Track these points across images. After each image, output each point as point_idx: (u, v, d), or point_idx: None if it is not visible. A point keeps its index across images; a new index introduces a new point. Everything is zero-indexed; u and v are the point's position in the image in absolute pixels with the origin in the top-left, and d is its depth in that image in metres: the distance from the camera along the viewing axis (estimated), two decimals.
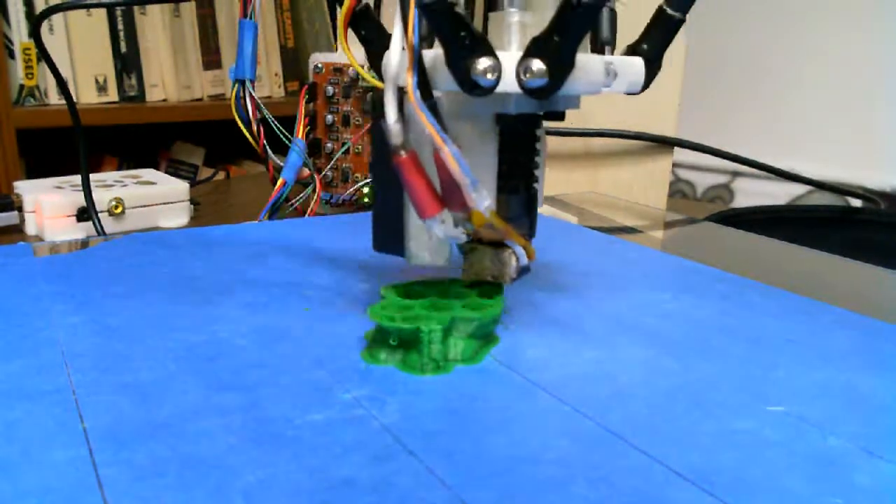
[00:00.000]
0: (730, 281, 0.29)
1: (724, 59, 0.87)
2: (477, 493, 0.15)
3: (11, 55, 0.82)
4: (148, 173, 0.48)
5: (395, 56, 0.19)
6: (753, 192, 0.85)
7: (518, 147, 0.22)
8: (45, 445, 0.16)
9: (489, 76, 0.19)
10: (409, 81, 0.18)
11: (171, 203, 0.45)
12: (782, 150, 0.77)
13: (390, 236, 0.23)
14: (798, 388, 0.20)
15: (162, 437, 0.16)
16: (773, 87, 0.85)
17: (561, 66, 0.19)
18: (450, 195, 0.19)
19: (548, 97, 0.20)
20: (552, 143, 0.55)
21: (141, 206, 0.43)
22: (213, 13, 0.99)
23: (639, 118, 0.54)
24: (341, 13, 0.23)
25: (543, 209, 0.44)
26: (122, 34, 0.90)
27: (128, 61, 0.91)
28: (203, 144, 1.06)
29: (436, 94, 0.20)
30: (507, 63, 0.19)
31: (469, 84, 0.19)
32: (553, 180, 0.55)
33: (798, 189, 0.80)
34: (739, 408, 0.19)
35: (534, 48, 0.19)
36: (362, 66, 0.29)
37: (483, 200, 0.19)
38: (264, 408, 0.18)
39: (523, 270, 0.23)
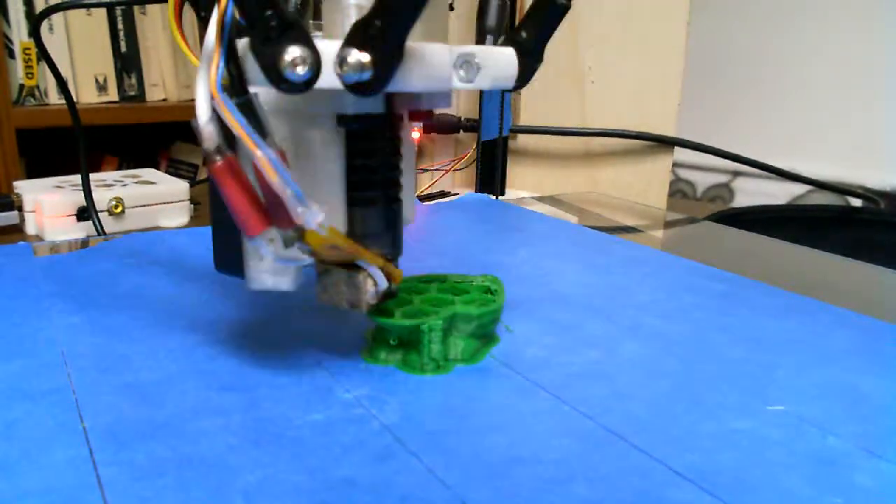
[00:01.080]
0: (730, 281, 0.29)
1: (724, 59, 0.87)
2: (477, 493, 0.15)
3: (11, 55, 0.82)
4: (148, 173, 0.48)
5: (210, 42, 0.16)
6: (753, 192, 0.85)
7: (371, 152, 0.19)
8: (45, 445, 0.16)
9: (299, 69, 0.15)
10: (213, 73, 0.15)
11: (171, 203, 0.45)
12: (782, 150, 0.77)
13: (230, 255, 0.19)
14: (798, 388, 0.20)
15: (162, 437, 0.16)
16: (773, 87, 0.85)
17: (385, 57, 0.16)
18: (275, 209, 0.16)
19: (374, 93, 0.16)
20: (552, 143, 0.55)
21: (141, 206, 0.43)
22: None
23: (639, 118, 0.54)
24: None
25: (544, 209, 0.45)
26: (122, 34, 0.90)
27: (128, 61, 0.91)
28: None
29: (254, 89, 0.16)
30: (327, 54, 0.16)
31: (277, 77, 0.16)
32: (553, 180, 0.55)
33: (798, 189, 0.80)
34: (739, 408, 0.19)
35: (353, 36, 0.16)
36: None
37: (313, 216, 0.16)
38: (264, 408, 0.18)
39: (386, 295, 0.20)
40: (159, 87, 0.96)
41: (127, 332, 0.22)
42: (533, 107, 0.54)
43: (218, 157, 0.16)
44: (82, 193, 0.39)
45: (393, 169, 0.20)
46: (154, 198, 0.44)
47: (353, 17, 0.17)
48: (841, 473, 0.16)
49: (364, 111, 0.18)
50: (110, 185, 0.44)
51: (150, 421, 0.17)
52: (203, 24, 0.18)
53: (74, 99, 0.46)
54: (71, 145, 0.42)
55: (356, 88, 0.16)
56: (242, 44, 0.16)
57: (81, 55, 0.88)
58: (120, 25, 0.92)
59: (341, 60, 0.16)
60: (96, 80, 0.90)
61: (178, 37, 0.19)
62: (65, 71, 0.86)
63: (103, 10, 0.90)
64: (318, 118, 0.18)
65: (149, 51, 0.94)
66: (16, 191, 0.42)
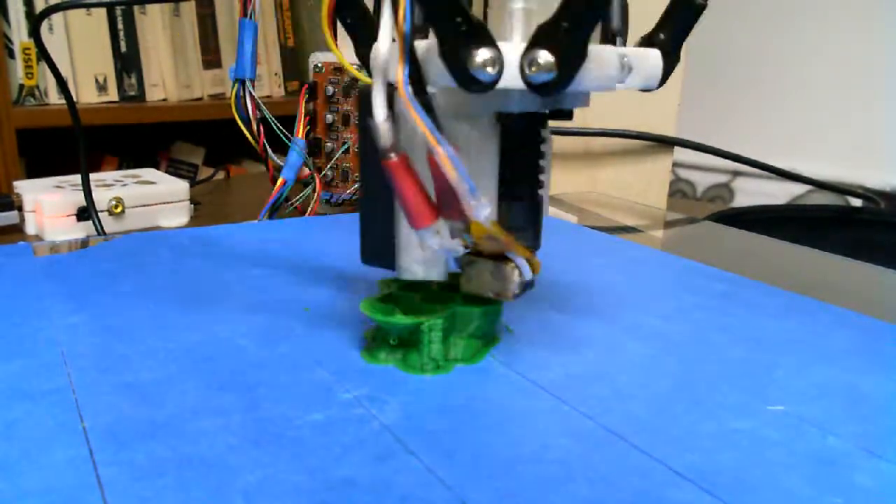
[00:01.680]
0: (730, 281, 0.29)
1: (724, 59, 0.87)
2: (477, 493, 0.15)
3: (11, 55, 0.82)
4: (148, 173, 0.48)
5: (384, 47, 0.17)
6: (753, 192, 0.85)
7: (522, 149, 0.20)
8: (45, 445, 0.16)
9: (489, 70, 0.17)
10: (400, 75, 0.16)
11: (171, 203, 0.45)
12: (782, 150, 0.77)
13: (380, 248, 0.21)
14: (798, 388, 0.20)
15: (162, 437, 0.16)
16: (773, 87, 0.85)
17: (571, 59, 0.17)
18: (446, 203, 0.17)
19: (556, 93, 0.17)
20: (552, 143, 0.55)
21: (141, 206, 0.43)
22: (213, 13, 0.99)
23: (639, 118, 0.54)
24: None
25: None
26: (122, 34, 0.90)
27: (128, 61, 0.91)
28: (203, 144, 1.06)
29: (430, 90, 0.18)
30: (510, 55, 0.17)
31: (466, 78, 0.17)
32: (553, 180, 0.55)
33: (798, 189, 0.80)
34: (739, 408, 0.19)
35: (540, 38, 0.17)
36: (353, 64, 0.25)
37: (483, 209, 0.17)
38: (264, 408, 0.18)
39: (527, 286, 0.20)
40: (159, 87, 0.96)
41: (127, 332, 0.22)
42: None
43: (393, 154, 0.17)
44: (82, 193, 0.39)
45: (538, 165, 0.21)
46: (154, 198, 0.44)
47: (520, 21, 0.18)
48: (841, 473, 0.16)
49: (527, 109, 0.19)
50: (110, 185, 0.44)
51: (150, 421, 0.17)
52: (349, 29, 0.21)
53: (74, 99, 0.46)
54: (71, 145, 0.42)
55: (540, 88, 0.17)
56: (422, 47, 0.18)
57: (81, 55, 0.88)
58: (120, 25, 0.92)
59: (531, 61, 0.17)
60: (96, 80, 0.90)
61: (332, 42, 0.20)
62: (65, 71, 0.86)
63: (103, 10, 0.90)
64: (478, 117, 0.20)
65: (149, 51, 0.94)
66: (16, 191, 0.42)
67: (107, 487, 0.15)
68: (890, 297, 0.32)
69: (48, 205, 0.40)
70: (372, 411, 0.18)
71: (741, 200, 0.86)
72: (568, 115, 0.21)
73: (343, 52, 0.21)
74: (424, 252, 0.20)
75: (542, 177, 0.21)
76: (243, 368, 0.20)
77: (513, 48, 0.17)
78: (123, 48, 0.90)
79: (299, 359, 0.21)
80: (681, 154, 0.68)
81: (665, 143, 0.55)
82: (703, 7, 0.20)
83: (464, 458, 0.16)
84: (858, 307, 0.26)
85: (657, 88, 0.20)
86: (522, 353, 0.22)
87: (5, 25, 0.82)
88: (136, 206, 0.43)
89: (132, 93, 0.92)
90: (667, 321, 0.24)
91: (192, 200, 0.46)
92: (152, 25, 0.93)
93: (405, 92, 0.17)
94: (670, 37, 0.20)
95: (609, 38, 0.20)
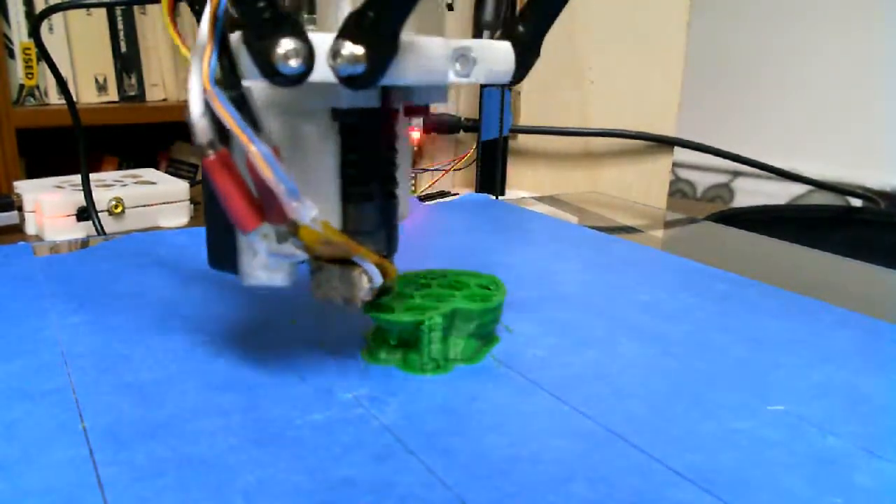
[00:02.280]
0: (730, 281, 0.29)
1: (724, 59, 0.87)
2: (477, 493, 0.15)
3: (11, 55, 0.82)
4: (148, 173, 0.48)
5: (203, 35, 0.15)
6: (753, 192, 0.85)
7: (366, 147, 0.19)
8: (45, 445, 0.16)
9: (292, 62, 0.15)
10: (204, 65, 0.15)
11: (171, 203, 0.45)
12: (782, 150, 0.77)
13: (224, 252, 0.19)
14: (798, 388, 0.20)
15: (162, 437, 0.16)
16: (773, 87, 0.85)
17: (379, 50, 0.16)
18: (269, 205, 0.16)
19: (367, 87, 0.16)
20: (552, 143, 0.55)
21: (141, 206, 0.43)
22: None
23: (639, 118, 0.54)
24: None
25: (544, 209, 0.45)
26: (122, 34, 0.90)
27: (128, 61, 0.91)
28: None
29: (248, 83, 0.16)
30: (321, 47, 0.16)
31: (270, 70, 0.15)
32: (553, 180, 0.55)
33: (798, 189, 0.80)
34: (739, 408, 0.19)
35: (348, 28, 0.15)
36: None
37: (306, 210, 0.16)
38: (264, 408, 0.18)
39: (381, 291, 0.20)
40: (159, 87, 0.96)
41: (127, 332, 0.22)
42: (533, 107, 0.54)
43: (210, 151, 0.16)
44: (82, 193, 0.39)
45: (388, 164, 0.20)
46: (154, 198, 0.44)
47: (346, 10, 0.17)
48: (841, 473, 0.16)
49: (359, 105, 0.18)
50: (110, 185, 0.44)
51: (150, 421, 0.17)
52: (198, 17, 0.17)
53: (74, 99, 0.46)
54: (71, 145, 0.42)
55: (350, 81, 0.16)
56: (236, 37, 0.16)
57: (81, 55, 0.88)
58: (120, 25, 0.92)
59: (335, 53, 0.15)
60: (96, 80, 0.90)
61: (172, 30, 0.18)
62: (65, 71, 0.86)
63: (103, 10, 0.90)
64: (312, 113, 0.18)
65: (149, 51, 0.94)
66: (16, 191, 0.42)
67: (107, 487, 0.15)
68: (890, 297, 0.32)
69: (48, 205, 0.40)
70: (372, 411, 0.18)
71: (741, 200, 0.86)
72: (424, 112, 0.20)
73: None
74: (257, 258, 0.19)
75: (396, 175, 0.20)
76: (243, 368, 0.20)
77: (326, 39, 0.16)
78: (123, 48, 0.90)
79: (299, 359, 0.21)
80: (681, 154, 0.69)
81: (665, 143, 0.55)
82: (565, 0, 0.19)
83: (464, 458, 0.16)
84: (858, 307, 0.26)
85: (512, 84, 0.20)
86: (522, 353, 0.22)
87: (5, 25, 0.82)
88: (136, 206, 0.43)
89: (132, 93, 0.92)
90: (667, 321, 0.24)
91: (192, 200, 0.46)
92: (152, 25, 0.93)
93: (210, 84, 0.15)
94: (531, 30, 0.19)
95: (479, 30, 0.20)
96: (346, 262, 0.19)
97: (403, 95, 0.19)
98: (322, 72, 0.16)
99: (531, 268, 0.30)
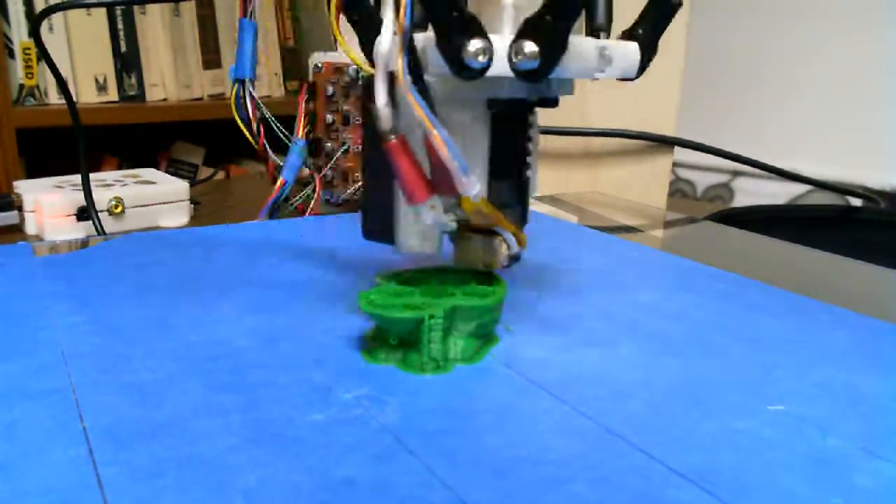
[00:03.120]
0: (730, 281, 0.29)
1: (724, 59, 0.87)
2: (477, 493, 0.15)
3: (11, 55, 0.82)
4: (148, 173, 0.48)
5: (387, 39, 0.18)
6: (753, 192, 0.85)
7: (510, 133, 0.22)
8: (45, 445, 0.16)
9: (480, 58, 0.18)
10: (400, 64, 0.18)
11: (171, 203, 0.45)
12: (782, 150, 0.77)
13: (380, 224, 0.23)
14: (798, 388, 0.20)
15: (162, 437, 0.16)
16: (773, 87, 0.85)
17: (553, 48, 0.19)
18: (440, 180, 0.19)
19: (539, 80, 0.19)
20: (552, 143, 0.55)
21: (141, 206, 0.43)
22: (213, 13, 0.99)
23: (639, 118, 0.54)
24: None
25: (544, 209, 0.45)
26: (122, 34, 0.90)
27: (128, 61, 0.91)
28: (203, 144, 1.06)
29: (427, 78, 0.19)
30: (499, 45, 0.19)
31: (460, 66, 0.19)
32: (553, 180, 0.55)
33: (798, 189, 0.80)
34: (739, 408, 0.19)
35: (526, 29, 0.19)
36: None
37: (473, 185, 0.19)
38: (264, 408, 0.18)
39: (514, 258, 0.22)
40: (159, 87, 0.96)
41: (127, 332, 0.22)
42: None
43: (392, 137, 0.19)
44: (82, 193, 0.39)
45: (525, 147, 0.23)
46: (154, 198, 0.44)
47: (509, 16, 0.20)
48: (841, 473, 0.16)
49: (514, 96, 0.21)
50: (110, 185, 0.44)
51: (150, 421, 0.17)
52: (355, 26, 0.23)
53: (74, 99, 0.46)
54: (71, 145, 0.42)
55: (525, 75, 0.19)
56: (420, 39, 0.19)
57: (81, 55, 0.88)
58: (120, 25, 0.92)
59: (517, 50, 0.19)
60: (96, 80, 0.90)
61: (339, 35, 0.23)
62: (65, 71, 0.86)
63: (103, 10, 0.90)
64: (471, 103, 0.21)
65: (149, 51, 0.94)
66: (16, 191, 0.42)
67: (107, 487, 0.15)
68: (890, 297, 0.32)
69: (48, 205, 0.40)
70: (372, 411, 0.18)
71: (741, 200, 0.86)
72: (553, 103, 0.23)
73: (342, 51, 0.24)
74: (420, 227, 0.22)
75: (528, 159, 0.23)
76: (243, 368, 0.20)
77: (502, 39, 0.19)
78: (123, 48, 0.90)
79: (299, 359, 0.21)
80: (681, 154, 0.68)
81: (665, 143, 0.55)
82: (679, 5, 0.22)
83: (464, 458, 0.16)
84: (858, 307, 0.26)
85: (636, 79, 0.22)
86: (522, 353, 0.22)
87: (5, 25, 0.82)
88: (136, 206, 0.43)
89: (132, 93, 0.92)
90: (667, 321, 0.24)
91: (192, 200, 0.46)
92: (152, 25, 0.93)
93: (404, 80, 0.18)
94: (648, 32, 0.22)
95: (593, 32, 0.22)
96: (488, 232, 0.22)
97: (545, 88, 0.22)
98: (501, 66, 0.19)
99: (531, 268, 0.30)
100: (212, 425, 0.17)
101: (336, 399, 0.19)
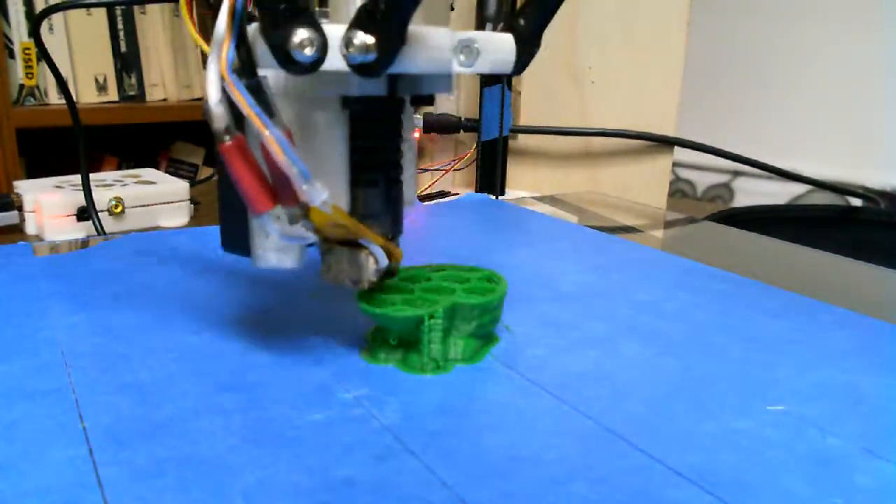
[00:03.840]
0: (730, 281, 0.29)
1: (724, 59, 0.87)
2: (477, 493, 0.15)
3: (11, 55, 0.82)
4: (148, 173, 0.48)
5: (220, 27, 0.16)
6: (753, 192, 0.85)
7: (373, 134, 0.20)
8: (45, 445, 0.16)
9: (307, 50, 0.16)
10: (223, 55, 0.16)
11: (171, 203, 0.45)
12: (782, 150, 0.77)
13: (237, 235, 0.20)
14: (798, 388, 0.20)
15: (162, 437, 0.16)
16: (773, 87, 0.85)
17: (389, 40, 0.17)
18: (282, 188, 0.17)
19: (377, 75, 0.17)
20: (552, 143, 0.55)
21: (141, 206, 0.43)
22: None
23: (639, 118, 0.54)
24: None
25: (544, 209, 0.45)
26: (122, 34, 0.90)
27: (128, 61, 0.91)
28: (203, 144, 1.06)
29: (263, 72, 0.17)
30: (334, 36, 0.17)
31: (285, 59, 0.17)
32: (553, 180, 0.55)
33: (798, 189, 0.80)
34: (739, 408, 0.19)
35: (360, 19, 0.17)
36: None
37: (317, 193, 0.17)
38: (264, 408, 0.18)
39: (387, 273, 0.20)
40: (159, 87, 0.96)
41: (127, 332, 0.22)
42: (533, 107, 0.54)
43: (227, 137, 0.17)
44: (82, 193, 0.39)
45: (394, 151, 0.21)
46: (154, 198, 0.44)
47: (357, 3, 0.18)
48: (841, 473, 0.16)
49: (367, 93, 0.19)
50: (110, 185, 0.44)
51: (150, 421, 0.17)
52: (212, 11, 0.19)
53: (74, 99, 0.46)
54: (71, 145, 0.41)
55: (361, 69, 0.17)
56: (252, 29, 0.17)
57: (81, 55, 0.88)
58: (120, 25, 0.92)
59: (347, 42, 0.17)
60: (96, 80, 0.90)
61: (191, 27, 0.20)
62: (65, 71, 0.86)
63: (103, 10, 0.90)
64: (322, 101, 0.19)
65: (149, 51, 0.94)
66: (16, 191, 0.42)
67: (107, 487, 0.15)
68: (890, 297, 0.32)
69: (48, 205, 0.40)
70: (372, 411, 0.18)
71: (741, 200, 0.86)
72: (428, 101, 0.21)
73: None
74: (269, 240, 0.20)
75: (402, 162, 0.21)
76: (243, 368, 0.20)
77: (339, 30, 0.17)
78: (123, 48, 0.90)
79: (299, 359, 0.21)
80: (681, 154, 0.68)
81: (665, 143, 0.55)
82: None
83: (464, 458, 0.16)
84: (858, 307, 0.26)
85: (512, 75, 0.21)
86: (522, 353, 0.22)
87: (5, 25, 0.82)
88: (136, 206, 0.43)
89: (132, 93, 0.92)
90: (667, 321, 0.24)
91: (192, 200, 0.46)
92: (152, 25, 0.93)
93: (227, 72, 0.16)
94: (531, 23, 0.20)
95: (481, 24, 0.20)
96: (354, 245, 0.20)
97: (410, 85, 0.20)
98: (334, 60, 0.17)
99: (531, 268, 0.30)
100: (212, 425, 0.17)
101: (336, 399, 0.19)
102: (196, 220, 0.46)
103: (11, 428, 0.17)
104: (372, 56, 0.17)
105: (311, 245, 0.20)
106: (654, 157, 0.56)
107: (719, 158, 0.59)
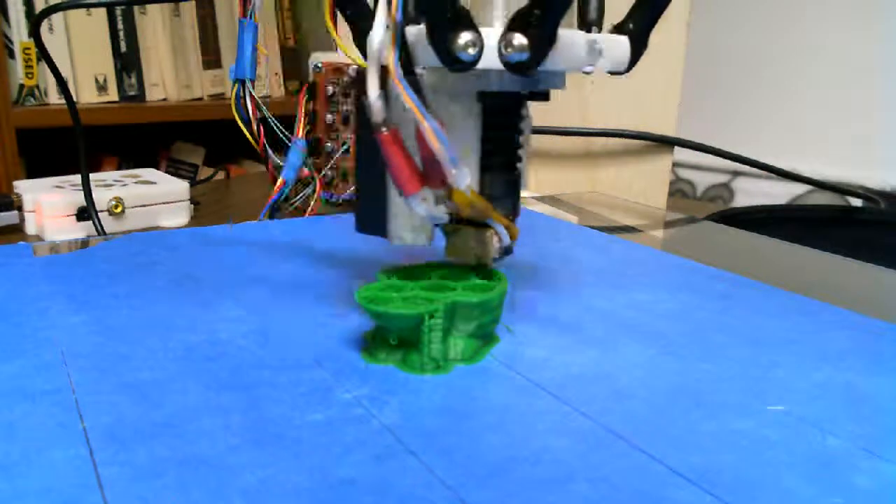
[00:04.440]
0: (730, 281, 0.29)
1: (724, 59, 0.87)
2: (477, 493, 0.15)
3: (11, 55, 0.82)
4: (148, 173, 0.48)
5: (378, 32, 0.18)
6: (753, 192, 0.85)
7: (501, 126, 0.22)
8: (45, 445, 0.16)
9: (470, 50, 0.19)
10: (391, 56, 0.18)
11: (171, 203, 0.45)
12: (782, 150, 0.77)
13: (373, 217, 0.23)
14: (798, 388, 0.20)
15: (162, 437, 0.16)
16: (773, 87, 0.85)
17: (542, 41, 0.19)
18: (431, 172, 0.19)
19: (529, 72, 0.20)
20: (552, 143, 0.55)
21: (141, 206, 0.43)
22: (213, 13, 0.99)
23: (639, 118, 0.54)
24: None
25: (544, 209, 0.45)
26: (122, 34, 0.90)
27: (128, 61, 0.91)
28: (203, 144, 1.06)
29: (418, 71, 0.20)
30: (490, 38, 0.19)
31: (450, 59, 0.19)
32: (553, 180, 0.55)
33: (798, 189, 0.80)
34: (739, 408, 0.19)
35: (515, 23, 0.19)
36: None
37: (463, 177, 0.19)
38: (264, 408, 0.18)
39: (506, 251, 0.22)
40: (159, 87, 0.96)
41: (127, 332, 0.22)
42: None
43: (385, 129, 0.19)
44: (82, 193, 0.39)
45: (516, 140, 0.23)
46: (154, 198, 0.44)
47: (500, 8, 0.20)
48: (841, 473, 0.16)
49: (504, 89, 0.21)
50: (110, 185, 0.44)
51: (150, 421, 0.17)
52: (349, 21, 0.24)
53: (74, 99, 0.46)
54: (71, 145, 0.42)
55: (515, 67, 0.19)
56: (411, 32, 0.20)
57: (81, 55, 0.88)
58: (120, 25, 0.92)
59: (507, 43, 0.19)
60: (96, 80, 0.90)
61: (335, 33, 0.24)
62: (65, 71, 0.86)
63: (103, 10, 0.90)
64: (458, 95, 0.22)
65: (149, 51, 0.94)
66: (16, 191, 0.42)
67: (107, 487, 0.15)
68: (890, 297, 0.32)
69: (48, 205, 0.40)
70: (372, 411, 0.18)
71: (741, 200, 0.86)
72: (544, 97, 0.23)
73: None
74: (412, 220, 0.22)
75: (520, 152, 0.23)
76: (243, 368, 0.20)
77: (493, 32, 0.19)
78: (123, 48, 0.90)
79: (299, 359, 0.21)
80: (681, 154, 0.69)
81: (665, 143, 0.55)
82: (668, 0, 0.23)
83: (464, 458, 0.16)
84: (858, 307, 0.26)
85: (626, 73, 0.23)
86: (522, 353, 0.22)
87: (5, 25, 0.82)
88: (136, 206, 0.43)
89: (132, 93, 0.92)
90: (667, 321, 0.24)
91: (192, 200, 0.46)
92: (152, 25, 0.93)
93: (395, 71, 0.18)
94: (639, 26, 0.22)
95: (585, 26, 0.22)
96: (480, 225, 0.22)
97: (534, 81, 0.22)
98: (491, 59, 0.19)
99: (531, 268, 0.31)
100: (212, 425, 0.17)
101: (336, 399, 0.19)
102: (196, 220, 0.46)
103: (11, 428, 0.17)
104: (526, 55, 0.19)
105: (438, 225, 0.23)
106: (654, 157, 0.56)
107: (719, 158, 0.59)
